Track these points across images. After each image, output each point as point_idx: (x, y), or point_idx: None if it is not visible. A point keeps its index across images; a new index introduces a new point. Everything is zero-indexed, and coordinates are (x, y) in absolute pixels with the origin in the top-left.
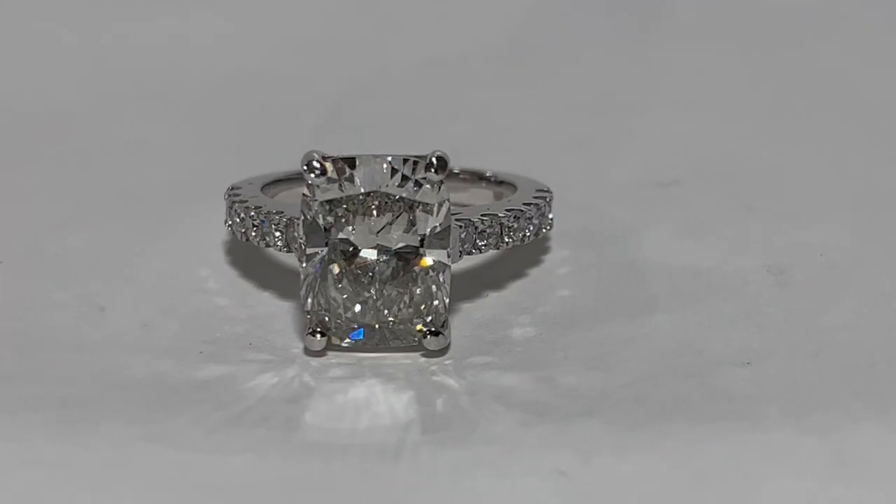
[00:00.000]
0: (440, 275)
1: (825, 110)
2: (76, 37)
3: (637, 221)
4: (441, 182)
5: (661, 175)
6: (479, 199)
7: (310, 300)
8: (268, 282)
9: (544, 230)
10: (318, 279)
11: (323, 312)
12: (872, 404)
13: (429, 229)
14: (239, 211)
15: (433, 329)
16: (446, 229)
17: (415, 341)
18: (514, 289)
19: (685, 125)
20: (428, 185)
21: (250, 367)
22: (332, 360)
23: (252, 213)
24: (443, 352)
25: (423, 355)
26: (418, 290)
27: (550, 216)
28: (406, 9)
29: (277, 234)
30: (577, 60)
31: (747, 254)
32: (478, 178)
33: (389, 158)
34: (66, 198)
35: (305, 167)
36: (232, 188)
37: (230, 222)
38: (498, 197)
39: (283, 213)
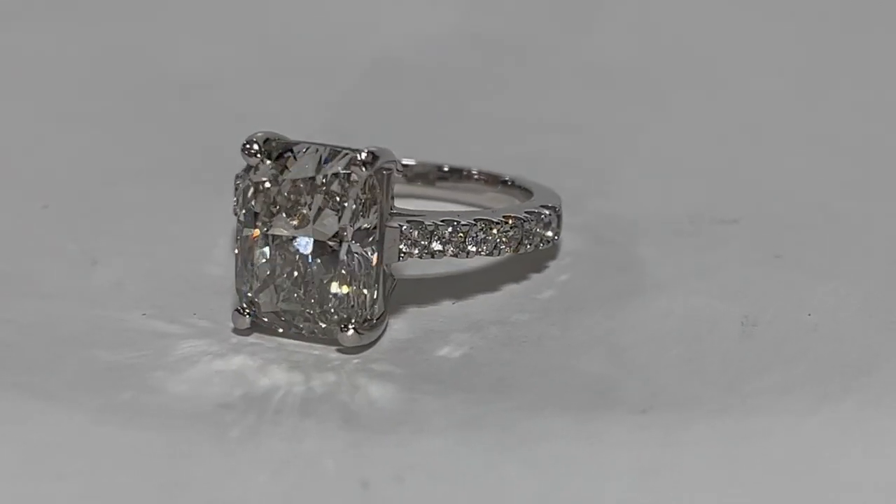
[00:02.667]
0: (366, 272)
1: None
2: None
3: (659, 255)
4: (370, 178)
5: (721, 212)
6: (493, 203)
7: (238, 279)
8: None
9: (529, 247)
10: (250, 259)
11: (251, 294)
12: (718, 478)
13: (355, 225)
14: (235, 185)
15: (350, 325)
16: (375, 227)
17: (333, 334)
18: (479, 302)
19: (762, 164)
20: (355, 180)
21: (172, 333)
22: (251, 340)
23: (236, 185)
24: (359, 349)
25: (338, 350)
26: (343, 286)
27: (549, 234)
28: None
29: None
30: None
31: (737, 301)
32: (495, 181)
33: (325, 147)
34: (150, 156)
35: (244, 147)
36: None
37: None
38: (509, 202)
39: None
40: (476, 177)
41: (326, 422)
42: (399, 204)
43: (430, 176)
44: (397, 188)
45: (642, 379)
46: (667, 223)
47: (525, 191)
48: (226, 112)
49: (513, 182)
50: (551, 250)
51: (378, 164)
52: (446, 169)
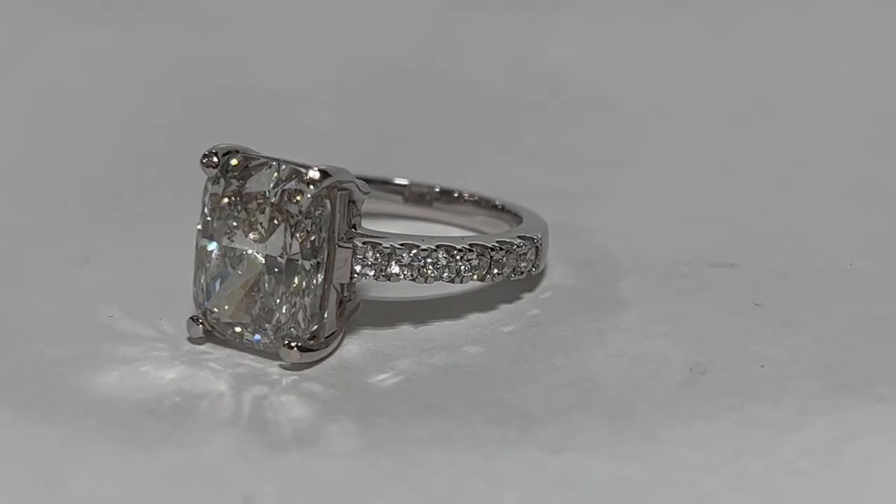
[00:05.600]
0: (312, 290)
1: None
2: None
3: (638, 296)
4: (321, 196)
5: (720, 256)
6: (483, 226)
7: (194, 288)
8: None
9: (499, 277)
10: (206, 270)
11: (207, 304)
12: None
13: (303, 242)
14: None
15: (292, 343)
16: (323, 245)
17: (277, 351)
18: (440, 329)
19: (776, 213)
20: (304, 197)
21: (129, 335)
22: (202, 349)
23: None
24: (301, 366)
25: (280, 366)
26: (287, 301)
27: (524, 264)
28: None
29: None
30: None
31: (695, 347)
32: (487, 205)
33: (283, 164)
34: (184, 163)
35: (203, 158)
36: None
37: None
38: (499, 227)
39: None
40: (467, 199)
41: (237, 435)
42: (394, 225)
43: (427, 197)
44: (393, 208)
45: (566, 418)
46: (661, 264)
47: (515, 216)
48: (258, 121)
49: (503, 207)
50: (529, 282)
51: (327, 182)
52: (437, 190)
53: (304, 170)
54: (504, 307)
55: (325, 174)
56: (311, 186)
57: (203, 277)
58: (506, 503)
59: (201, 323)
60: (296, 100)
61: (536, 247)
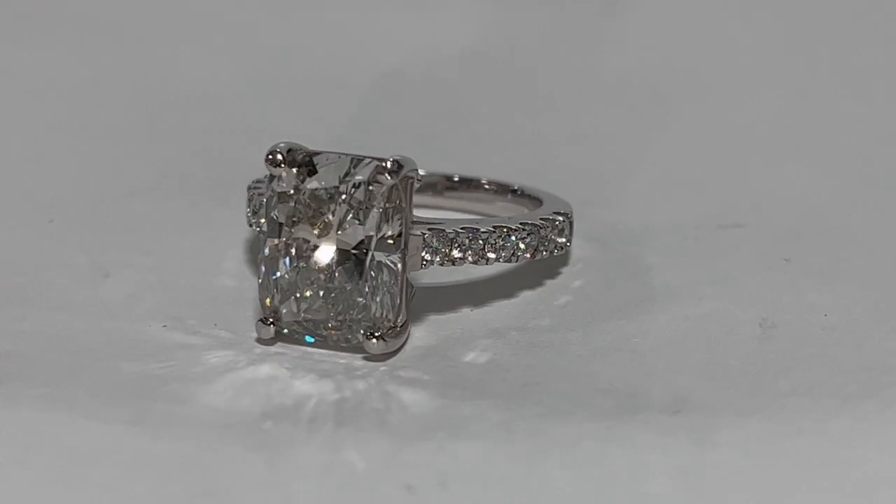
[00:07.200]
0: (391, 281)
1: None
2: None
3: (667, 261)
4: (394, 187)
5: (726, 219)
6: (503, 212)
7: (263, 289)
8: None
9: (545, 254)
10: (274, 269)
11: (277, 303)
12: (753, 477)
13: (380, 234)
14: (249, 195)
15: (375, 333)
16: (399, 235)
17: (358, 342)
18: (497, 308)
19: (763, 173)
20: (380, 189)
21: (194, 344)
22: (275, 350)
23: (250, 195)
24: (384, 357)
25: (364, 358)
26: (366, 293)
27: (562, 240)
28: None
29: (262, 220)
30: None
31: (752, 304)
32: (505, 190)
33: (349, 157)
34: (156, 171)
35: (268, 157)
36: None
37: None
38: (520, 211)
39: None
40: (486, 186)
41: (362, 429)
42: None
43: (439, 186)
44: None
45: (667, 382)
46: (673, 230)
47: (534, 199)
48: (233, 126)
49: (522, 191)
50: (564, 257)
51: (403, 172)
52: (456, 179)
53: (374, 161)
54: (549, 282)
55: (399, 164)
56: (389, 177)
57: (270, 277)
58: (653, 464)
59: (271, 323)
60: (289, 100)
61: (570, 222)
